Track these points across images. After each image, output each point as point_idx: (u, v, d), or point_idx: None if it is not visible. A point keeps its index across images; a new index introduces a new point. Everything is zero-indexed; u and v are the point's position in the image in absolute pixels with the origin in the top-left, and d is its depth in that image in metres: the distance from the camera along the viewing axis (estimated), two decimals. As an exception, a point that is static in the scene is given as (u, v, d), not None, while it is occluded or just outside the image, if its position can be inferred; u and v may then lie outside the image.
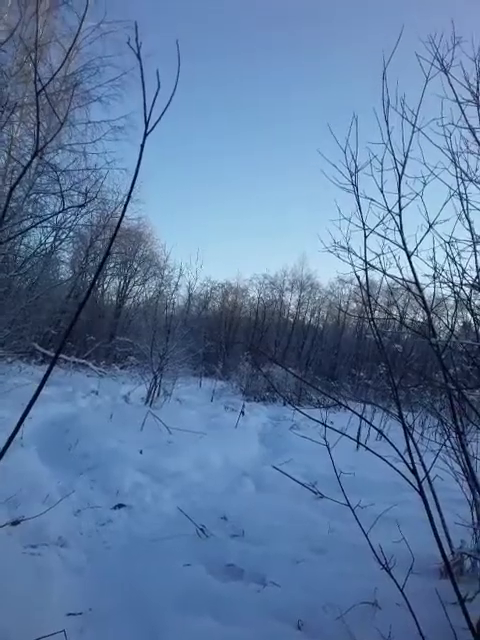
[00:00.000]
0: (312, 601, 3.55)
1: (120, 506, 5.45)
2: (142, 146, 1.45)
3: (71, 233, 17.53)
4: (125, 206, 1.59)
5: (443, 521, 3.78)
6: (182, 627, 3.11)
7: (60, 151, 13.14)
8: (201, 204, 51.39)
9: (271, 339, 31.37)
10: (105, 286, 27.02)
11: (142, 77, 1.41)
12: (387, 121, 2.85)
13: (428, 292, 3.12)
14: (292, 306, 35.57)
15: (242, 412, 11.88)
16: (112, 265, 25.60)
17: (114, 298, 28.15)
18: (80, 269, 21.77)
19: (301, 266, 36.00)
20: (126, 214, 19.20)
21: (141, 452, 7.18)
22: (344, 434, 3.11)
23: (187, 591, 3.61)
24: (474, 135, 2.99)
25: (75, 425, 8.32)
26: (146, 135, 1.43)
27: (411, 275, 2.85)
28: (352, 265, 3.12)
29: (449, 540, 3.74)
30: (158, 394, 12.59)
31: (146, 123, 1.40)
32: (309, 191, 49.38)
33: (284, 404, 18.22)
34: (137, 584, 3.68)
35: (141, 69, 1.45)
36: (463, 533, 4.03)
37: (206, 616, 3.26)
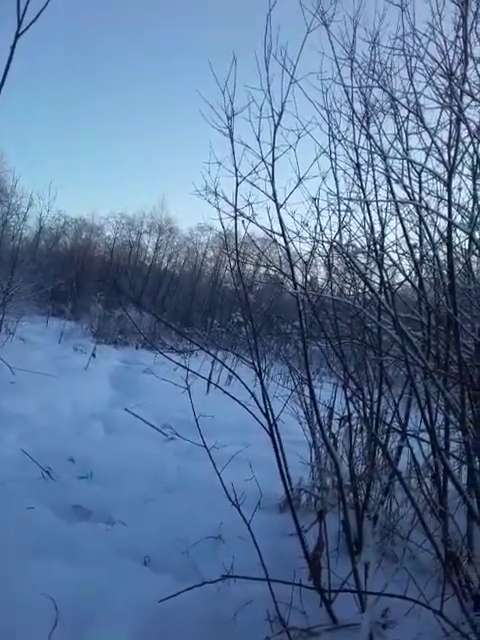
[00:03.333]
0: (160, 538, 3.66)
1: (-46, 449, 5.07)
2: (12, 48, 1.25)
3: None
4: None
5: (285, 461, 4.07)
6: (28, 570, 3.02)
7: None
8: (59, 128, 47.14)
9: (126, 281, 30.64)
10: None
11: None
12: (267, 68, 2.81)
13: (293, 246, 3.23)
14: (150, 249, 34.89)
15: (93, 354, 11.56)
16: None
17: None
18: None
19: (161, 209, 35.23)
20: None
21: (-20, 393, 6.70)
22: (199, 375, 3.16)
23: (30, 534, 3.49)
24: (347, 95, 3.08)
25: None
26: (18, 36, 1.23)
27: (278, 227, 2.92)
28: (219, 211, 3.10)
29: (290, 478, 4.04)
30: (0, 332, 11.76)
31: (19, 22, 1.21)
32: (178, 133, 47.78)
33: (137, 348, 18.10)
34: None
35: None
36: (300, 472, 4.39)
37: (53, 558, 3.20)
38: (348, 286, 3.94)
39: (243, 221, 3.03)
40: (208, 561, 3.31)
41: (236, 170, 2.93)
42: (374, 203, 3.23)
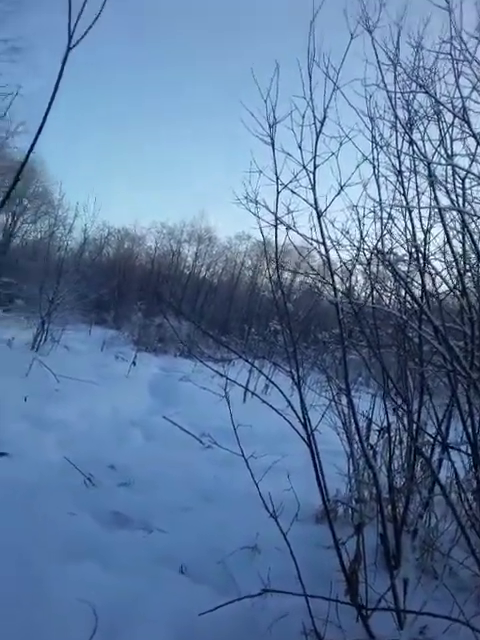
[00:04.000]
0: (196, 547, 3.66)
1: (1, 454, 5.20)
2: (64, 62, 1.28)
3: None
4: (39, 130, 1.37)
5: (322, 472, 4.01)
6: (66, 574, 3.06)
7: None
8: (103, 144, 48.34)
9: (166, 290, 31.04)
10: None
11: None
12: (310, 75, 2.80)
13: (332, 253, 3.21)
14: (189, 258, 35.35)
15: (134, 362, 11.73)
16: (-2, 200, 23.63)
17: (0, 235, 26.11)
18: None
19: (201, 218, 35.67)
20: (18, 146, 17.63)
21: (25, 399, 6.87)
22: (237, 383, 3.16)
23: (72, 539, 3.55)
24: (390, 101, 3.05)
25: None
26: (69, 49, 1.26)
27: (319, 235, 2.90)
28: (259, 219, 3.10)
29: (326, 489, 3.98)
30: (45, 340, 12.06)
31: (70, 37, 1.24)
32: (218, 142, 48.23)
33: (175, 356, 18.27)
34: (19, 533, 3.55)
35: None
36: (338, 482, 4.32)
37: (91, 563, 3.24)
38: (389, 294, 3.88)
39: (283, 229, 3.03)
40: (244, 571, 3.29)
41: (277, 178, 2.93)
42: (416, 210, 3.17)
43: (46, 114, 1.32)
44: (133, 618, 2.73)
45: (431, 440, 3.43)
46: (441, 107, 2.93)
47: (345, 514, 4.24)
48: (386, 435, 3.71)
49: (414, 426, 3.47)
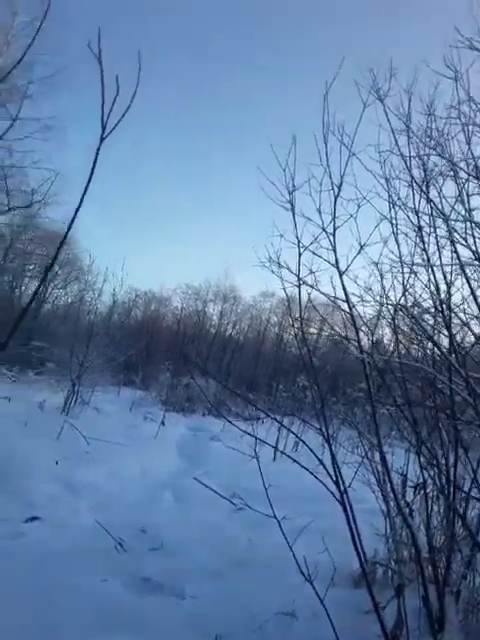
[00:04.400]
0: (231, 614, 3.55)
1: (33, 519, 5.19)
2: (98, 150, 1.42)
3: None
4: (77, 210, 1.49)
5: (358, 532, 3.90)
6: (97, 645, 3.00)
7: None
8: (128, 211, 50.24)
9: (193, 349, 31.21)
10: (23, 288, 25.81)
11: (102, 80, 1.38)
12: (326, 143, 2.97)
13: (356, 310, 3.26)
14: (215, 317, 35.69)
15: (162, 422, 11.73)
16: (32, 267, 24.52)
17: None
18: (-2, 269, 20.71)
19: (225, 278, 36.21)
20: (51, 217, 18.41)
21: (57, 462, 6.90)
22: (267, 443, 3.16)
23: (103, 607, 3.49)
24: (405, 162, 3.17)
25: (-15, 433, 7.86)
26: (103, 139, 1.40)
27: (342, 293, 2.96)
28: (282, 280, 3.19)
29: (363, 550, 3.86)
30: (75, 402, 12.18)
31: (103, 127, 1.37)
32: (239, 206, 49.63)
33: (203, 415, 18.17)
34: (50, 600, 3.51)
35: (102, 72, 1.42)
36: (375, 543, 4.17)
37: (123, 633, 3.18)
38: (415, 348, 3.88)
39: (306, 289, 3.10)
40: (282, 639, 3.18)
41: (298, 241, 3.04)
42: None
43: (82, 197, 1.45)
44: None
45: (466, 496, 3.33)
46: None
47: (384, 576, 4.08)
48: (422, 492, 3.61)
49: (451, 482, 3.38)
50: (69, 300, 27.40)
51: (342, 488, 2.79)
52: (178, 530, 5.30)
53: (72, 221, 1.56)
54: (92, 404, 13.37)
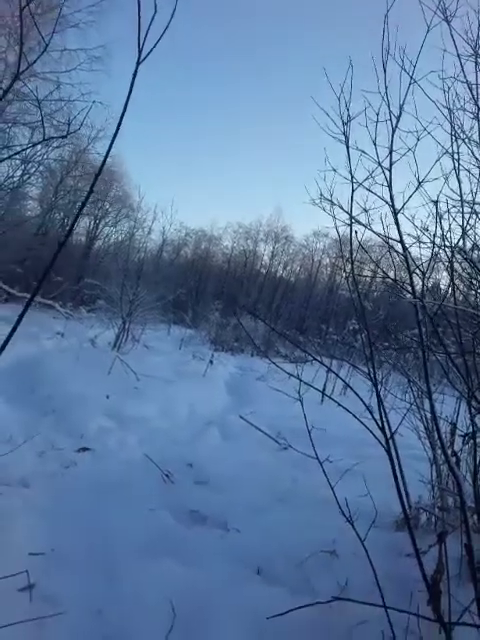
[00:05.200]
0: (272, 548, 3.64)
1: (85, 449, 5.44)
2: (134, 75, 1.32)
3: (41, 167, 16.84)
4: (112, 140, 1.41)
5: (403, 477, 3.88)
6: (144, 569, 3.15)
7: (33, 79, 12.34)
8: (179, 146, 49.62)
9: (242, 290, 31.26)
10: (75, 225, 26.22)
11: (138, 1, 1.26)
12: (385, 70, 2.71)
13: (411, 251, 3.08)
14: (265, 257, 35.42)
15: (211, 361, 11.91)
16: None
17: (83, 239, 27.36)
18: (49, 206, 21.04)
19: (277, 217, 35.62)
20: (100, 151, 18.38)
21: (108, 397, 7.14)
22: (312, 386, 3.11)
23: (151, 535, 3.65)
24: (471, 92, 2.89)
25: (40, 367, 8.19)
26: (139, 63, 1.30)
27: (396, 233, 2.80)
28: (334, 218, 3.04)
29: (408, 495, 3.85)
30: (126, 339, 12.49)
31: (140, 51, 1.27)
32: (293, 141, 48.07)
33: (252, 355, 18.38)
34: (101, 526, 3.70)
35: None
36: (420, 489, 4.16)
37: (168, 559, 3.31)
38: (474, 293, 3.68)
39: (358, 230, 2.95)
40: (322, 576, 3.24)
41: (352, 177, 2.86)
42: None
43: (118, 127, 1.36)
44: (209, 616, 2.76)
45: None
46: None
47: (428, 522, 4.07)
48: (472, 441, 3.52)
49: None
50: (119, 238, 27.72)
51: (388, 434, 2.73)
52: (224, 466, 5.44)
53: (108, 151, 1.49)
54: (142, 341, 13.69)
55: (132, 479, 4.70)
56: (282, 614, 2.44)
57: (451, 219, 3.20)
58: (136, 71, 1.32)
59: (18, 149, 12.14)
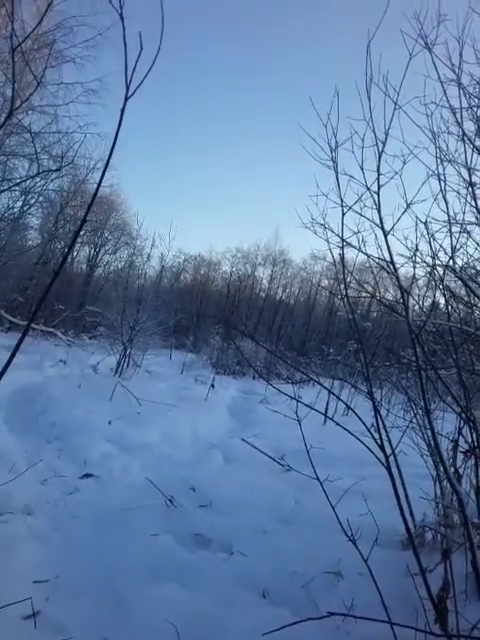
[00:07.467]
0: (277, 571, 3.63)
1: (88, 476, 5.44)
2: (122, 111, 1.39)
3: (40, 198, 17.09)
4: (103, 172, 1.51)
5: (407, 495, 3.88)
6: (149, 595, 3.15)
7: (30, 112, 12.58)
8: (176, 174, 50.28)
9: (242, 313, 31.31)
10: (75, 254, 26.47)
11: (124, 38, 1.34)
12: (369, 97, 2.81)
13: (402, 272, 3.14)
14: (264, 281, 35.56)
15: (212, 385, 11.90)
16: (83, 233, 25.02)
17: (84, 266, 27.64)
18: (49, 236, 21.27)
19: (274, 241, 35.91)
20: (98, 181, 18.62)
21: (110, 423, 7.15)
22: (313, 408, 3.14)
23: (154, 560, 3.65)
24: (454, 115, 2.98)
25: (42, 394, 8.22)
26: (127, 99, 1.37)
27: (387, 254, 2.86)
28: (328, 242, 3.10)
29: (412, 514, 3.85)
30: (127, 365, 12.50)
31: (127, 87, 1.34)
32: (287, 166, 48.73)
33: (254, 378, 18.33)
34: (104, 553, 3.70)
35: (123, 30, 1.38)
36: (425, 507, 4.15)
37: (173, 584, 3.31)
38: (468, 311, 3.73)
39: (352, 251, 3.01)
40: (327, 597, 3.23)
41: (342, 201, 2.93)
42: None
43: (108, 161, 1.44)
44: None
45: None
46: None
47: (433, 540, 4.06)
48: (473, 457, 3.54)
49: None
50: (119, 265, 27.97)
51: (387, 452, 2.75)
52: (227, 489, 5.42)
53: (99, 184, 1.56)
54: (144, 367, 13.69)
55: (135, 504, 4.69)
56: (278, 629, 2.42)
57: (442, 238, 3.28)
58: (124, 106, 1.39)
59: (17, 181, 12.32)
